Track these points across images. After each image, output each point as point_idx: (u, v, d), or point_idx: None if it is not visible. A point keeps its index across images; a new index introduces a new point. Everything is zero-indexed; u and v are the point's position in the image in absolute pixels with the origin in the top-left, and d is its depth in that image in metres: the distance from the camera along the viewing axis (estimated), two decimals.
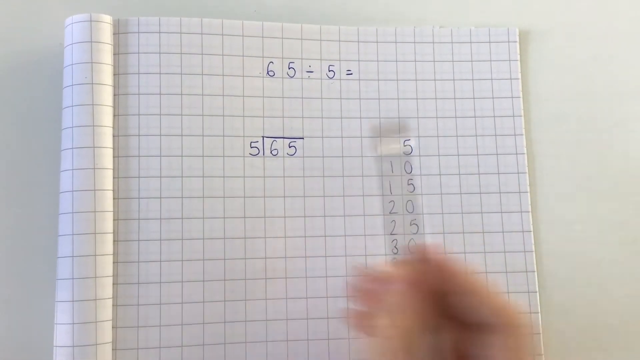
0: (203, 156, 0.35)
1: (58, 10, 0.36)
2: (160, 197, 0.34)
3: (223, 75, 0.36)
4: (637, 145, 0.39)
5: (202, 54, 0.35)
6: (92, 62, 0.34)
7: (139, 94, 0.35)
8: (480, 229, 0.36)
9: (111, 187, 0.33)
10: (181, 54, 0.35)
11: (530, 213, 0.36)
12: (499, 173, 0.36)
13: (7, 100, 0.36)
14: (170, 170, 0.34)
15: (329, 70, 0.36)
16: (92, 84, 0.33)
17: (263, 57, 0.36)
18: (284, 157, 0.35)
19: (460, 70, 0.37)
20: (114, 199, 0.34)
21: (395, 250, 0.35)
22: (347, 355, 0.34)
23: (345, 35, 0.37)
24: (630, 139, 0.39)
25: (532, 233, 0.36)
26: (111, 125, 0.34)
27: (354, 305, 0.28)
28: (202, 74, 0.35)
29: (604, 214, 0.38)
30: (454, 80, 0.37)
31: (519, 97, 0.38)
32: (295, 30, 0.37)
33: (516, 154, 0.37)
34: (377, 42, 0.37)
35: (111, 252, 0.33)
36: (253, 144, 0.35)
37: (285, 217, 0.35)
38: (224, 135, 0.35)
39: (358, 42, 0.37)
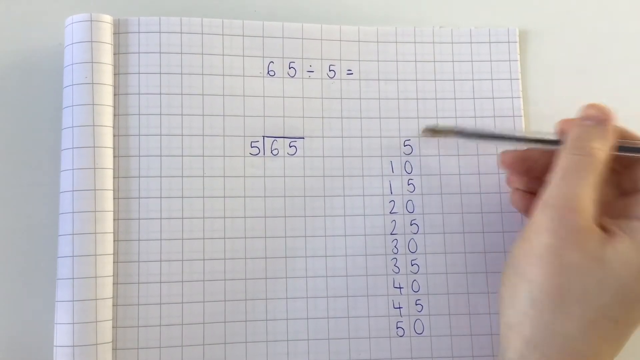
0: (203, 156, 0.35)
1: (58, 10, 0.36)
2: (161, 197, 0.34)
3: (223, 75, 0.36)
4: None
5: (202, 54, 0.35)
6: (92, 62, 0.34)
7: (139, 94, 0.35)
8: (480, 229, 0.36)
9: (111, 187, 0.33)
10: (181, 53, 0.35)
11: None
12: (499, 173, 0.36)
13: (7, 100, 0.36)
14: (171, 170, 0.34)
15: (330, 70, 0.37)
16: (93, 83, 0.33)
17: (263, 56, 0.36)
18: (284, 156, 0.36)
19: (460, 70, 0.37)
20: (114, 198, 0.34)
21: (395, 250, 0.35)
22: (347, 355, 0.34)
23: (346, 35, 0.37)
24: None
25: None
26: (111, 125, 0.34)
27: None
28: (203, 74, 0.35)
29: None
30: (454, 80, 0.37)
31: (519, 98, 0.38)
32: (295, 30, 0.37)
33: None
34: (377, 42, 0.37)
35: (111, 251, 0.33)
36: (253, 144, 0.35)
37: (285, 217, 0.35)
38: (224, 135, 0.35)
39: (359, 41, 0.37)
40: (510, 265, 0.29)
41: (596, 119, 0.30)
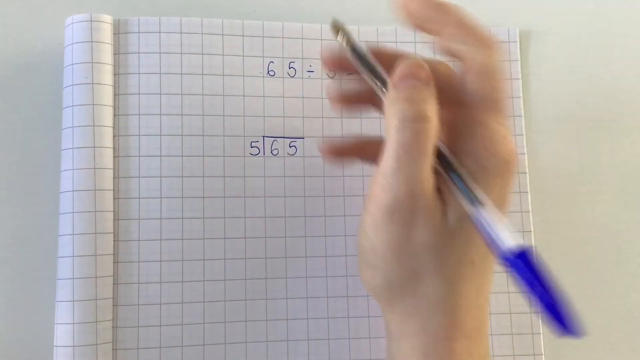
0: (203, 156, 0.35)
1: (58, 10, 0.36)
2: (161, 197, 0.34)
3: (223, 75, 0.36)
4: (638, 145, 0.39)
5: (202, 54, 0.35)
6: (92, 62, 0.34)
7: (139, 94, 0.35)
8: None
9: (111, 187, 0.33)
10: (181, 53, 0.35)
11: (530, 213, 0.36)
12: None
13: (7, 100, 0.36)
14: (171, 170, 0.34)
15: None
16: (93, 84, 0.33)
17: (263, 56, 0.36)
18: (284, 156, 0.35)
19: None
20: (114, 199, 0.34)
21: None
22: (347, 355, 0.34)
23: None
24: (631, 138, 0.39)
25: (532, 233, 0.36)
26: (111, 125, 0.34)
27: None
28: (203, 74, 0.35)
29: (604, 213, 0.38)
30: None
31: (519, 97, 0.38)
32: (295, 30, 0.37)
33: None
34: (377, 41, 0.37)
35: (111, 252, 0.33)
36: (253, 144, 0.35)
37: (285, 217, 0.35)
38: (224, 135, 0.35)
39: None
40: (361, 246, 0.27)
41: (419, 77, 0.26)
